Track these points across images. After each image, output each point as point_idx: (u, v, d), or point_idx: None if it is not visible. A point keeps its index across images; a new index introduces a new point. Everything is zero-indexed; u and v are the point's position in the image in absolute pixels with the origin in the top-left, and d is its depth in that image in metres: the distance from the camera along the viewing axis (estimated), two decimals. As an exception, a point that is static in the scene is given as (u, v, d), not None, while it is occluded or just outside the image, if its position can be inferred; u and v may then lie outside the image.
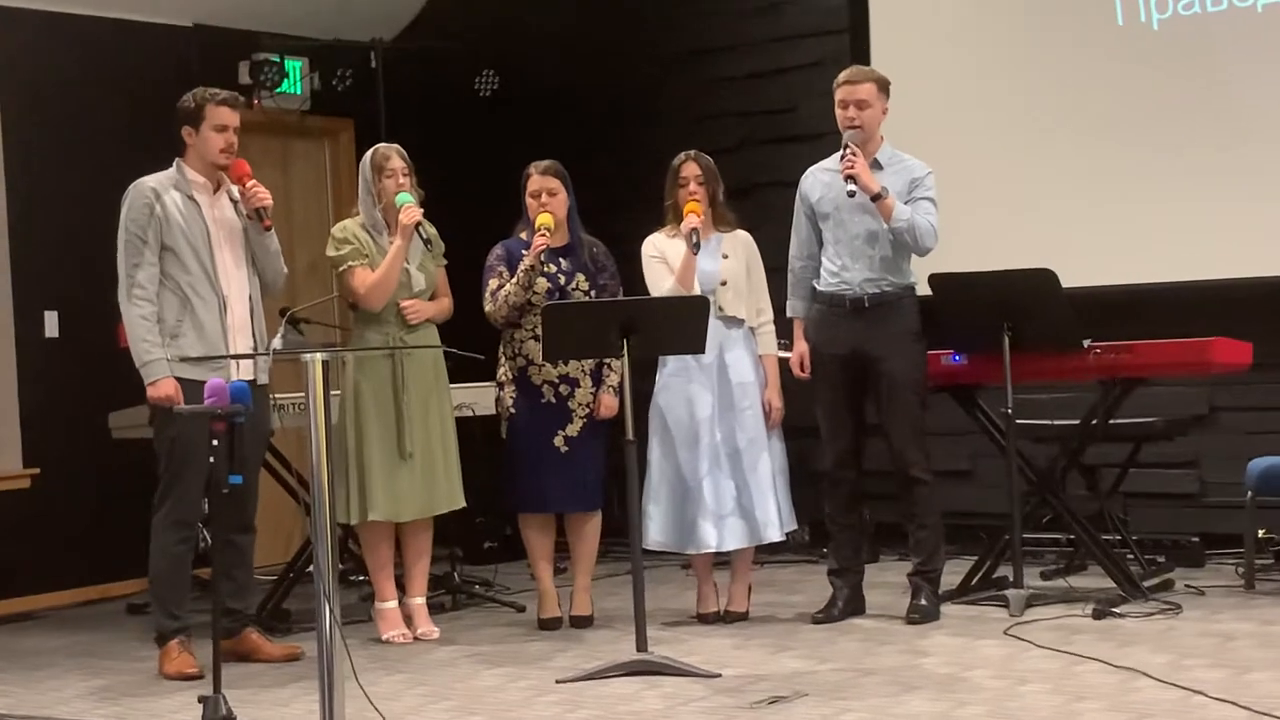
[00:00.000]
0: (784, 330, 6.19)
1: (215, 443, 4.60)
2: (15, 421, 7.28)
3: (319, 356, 4.66)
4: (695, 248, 5.82)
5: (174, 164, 5.67)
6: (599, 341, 5.49)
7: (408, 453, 5.88)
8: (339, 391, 5.88)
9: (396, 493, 5.90)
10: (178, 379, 5.48)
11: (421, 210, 5.92)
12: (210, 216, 5.64)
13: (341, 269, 5.99)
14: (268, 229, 5.69)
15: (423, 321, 6.01)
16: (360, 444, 5.89)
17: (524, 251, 6.01)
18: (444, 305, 6.14)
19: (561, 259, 6.08)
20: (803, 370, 6.05)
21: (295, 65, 8.32)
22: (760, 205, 6.91)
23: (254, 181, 5.66)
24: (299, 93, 8.38)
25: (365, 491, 5.88)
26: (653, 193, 6.17)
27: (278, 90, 8.19)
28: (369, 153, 6.06)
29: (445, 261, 6.18)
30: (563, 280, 6.05)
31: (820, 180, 6.05)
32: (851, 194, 5.80)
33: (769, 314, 6.10)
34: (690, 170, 6.01)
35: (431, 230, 6.08)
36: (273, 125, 8.32)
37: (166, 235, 5.53)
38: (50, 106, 7.49)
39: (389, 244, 5.92)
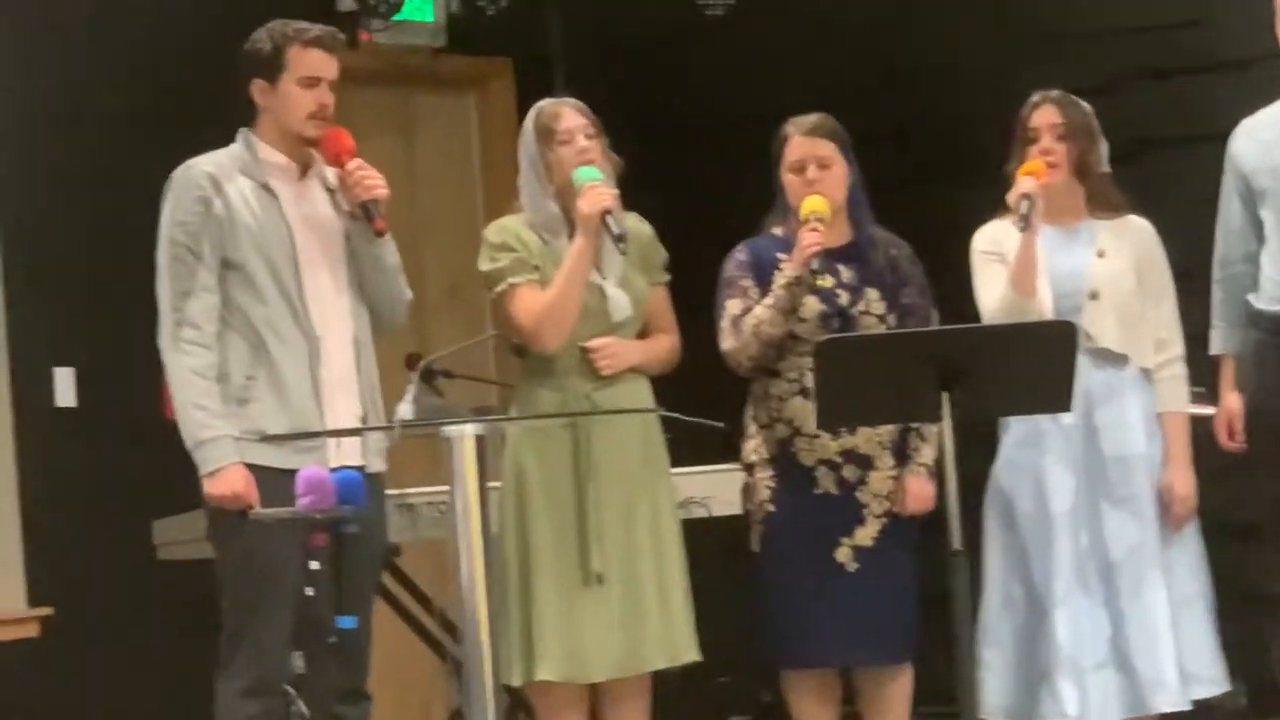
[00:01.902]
0: (1200, 373, 6.19)
1: (314, 565, 4.72)
2: (16, 537, 7.29)
3: (469, 430, 4.79)
4: (1024, 221, 5.80)
5: (239, 136, 5.71)
6: (904, 396, 5.45)
7: (595, 575, 5.90)
8: (499, 484, 5.85)
9: (581, 639, 5.91)
10: (249, 466, 5.49)
11: (615, 192, 5.90)
12: (295, 215, 5.67)
13: (499, 289, 5.99)
14: (381, 233, 5.70)
15: (625, 371, 6.00)
16: (525, 563, 5.93)
17: (781, 256, 6.01)
18: (663, 346, 6.14)
19: (841, 266, 6.10)
20: (1232, 438, 6.04)
21: (423, -20, 8.53)
22: (1153, 179, 6.76)
23: (359, 161, 5.69)
24: (429, 21, 8.51)
25: (533, 637, 5.90)
26: (978, 157, 6.24)
27: (395, 18, 8.31)
28: (531, 113, 6.10)
29: (667, 277, 6.17)
30: (845, 299, 6.07)
31: (1261, 141, 6.02)
32: None
33: (1177, 347, 6.07)
34: (1045, 118, 6.00)
35: (640, 226, 6.09)
36: (390, 73, 8.50)
37: (231, 246, 5.56)
38: (51, 73, 7.51)
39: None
